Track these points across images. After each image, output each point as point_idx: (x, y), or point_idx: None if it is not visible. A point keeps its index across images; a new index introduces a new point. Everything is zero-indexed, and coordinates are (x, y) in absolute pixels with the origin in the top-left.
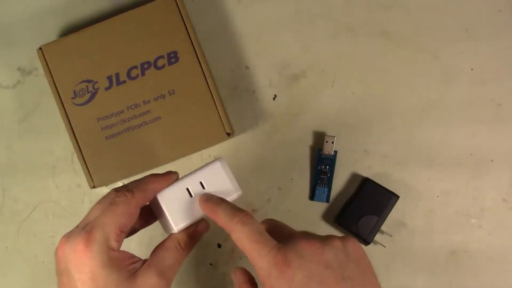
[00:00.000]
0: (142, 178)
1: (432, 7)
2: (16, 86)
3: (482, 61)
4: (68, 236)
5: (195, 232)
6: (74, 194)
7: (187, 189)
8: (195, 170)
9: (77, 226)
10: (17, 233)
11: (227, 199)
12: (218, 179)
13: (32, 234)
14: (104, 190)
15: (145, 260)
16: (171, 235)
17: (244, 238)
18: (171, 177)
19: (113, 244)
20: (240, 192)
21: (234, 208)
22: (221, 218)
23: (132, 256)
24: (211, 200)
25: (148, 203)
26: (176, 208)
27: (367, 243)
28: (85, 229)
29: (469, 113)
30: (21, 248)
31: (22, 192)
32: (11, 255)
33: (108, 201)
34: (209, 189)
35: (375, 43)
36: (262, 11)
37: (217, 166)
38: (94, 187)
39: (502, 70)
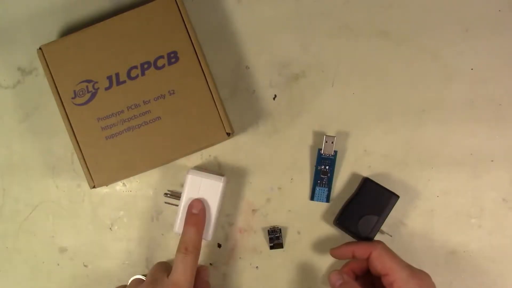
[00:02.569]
0: (186, 231)
1: (432, 6)
2: (16, 86)
3: (482, 61)
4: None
5: (206, 277)
6: (74, 194)
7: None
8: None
9: (147, 282)
10: (17, 233)
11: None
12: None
13: (32, 234)
14: (104, 190)
15: None
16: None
17: (385, 254)
18: (203, 213)
19: None
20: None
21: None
22: (362, 246)
23: None
24: (345, 245)
25: None
26: None
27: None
28: (170, 283)
29: (469, 113)
30: (21, 248)
31: (22, 192)
32: (11, 255)
33: (179, 260)
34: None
35: (375, 43)
36: (262, 11)
37: (219, 183)
38: (94, 187)
39: (502, 70)
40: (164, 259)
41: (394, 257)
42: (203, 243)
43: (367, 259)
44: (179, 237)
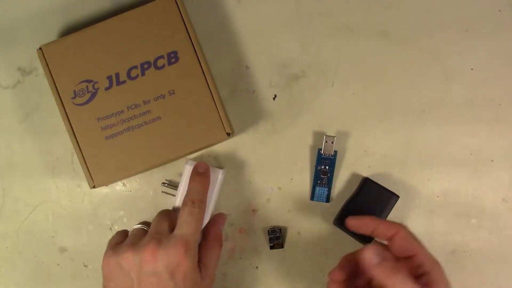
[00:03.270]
0: (192, 187)
1: (432, 7)
2: (16, 86)
3: (482, 61)
4: (158, 243)
5: (221, 226)
6: (74, 194)
7: None
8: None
9: (151, 235)
10: (17, 233)
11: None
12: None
13: (32, 234)
14: (104, 190)
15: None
16: (208, 235)
17: (413, 236)
18: (208, 173)
19: (197, 250)
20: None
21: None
22: (388, 225)
23: None
24: (369, 218)
25: None
26: None
27: (367, 242)
28: (176, 237)
29: (469, 113)
30: (21, 248)
31: (22, 192)
32: (11, 255)
33: (186, 212)
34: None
35: (375, 43)
36: (262, 11)
37: (218, 175)
38: (94, 187)
39: (502, 70)
40: None
41: (419, 241)
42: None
43: (390, 239)
44: None
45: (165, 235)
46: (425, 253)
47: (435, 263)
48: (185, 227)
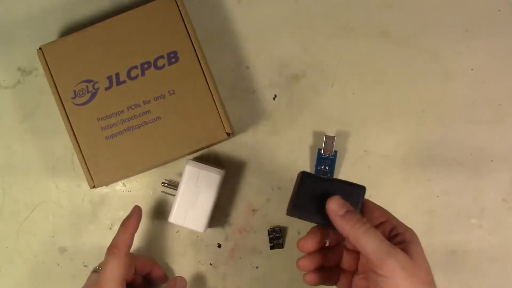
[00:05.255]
0: (117, 232)
1: (432, 7)
2: (16, 86)
3: (482, 61)
4: None
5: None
6: (74, 194)
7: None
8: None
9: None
10: (17, 233)
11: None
12: (210, 183)
13: (32, 234)
14: (104, 190)
15: None
16: None
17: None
18: (138, 214)
19: None
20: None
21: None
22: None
23: None
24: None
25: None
26: (191, 217)
27: (330, 226)
28: (97, 286)
29: (469, 113)
30: (21, 248)
31: (22, 192)
32: (11, 255)
33: (103, 260)
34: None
35: (375, 43)
36: (262, 11)
37: (216, 175)
38: (94, 187)
39: (502, 70)
40: (163, 259)
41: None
42: (204, 240)
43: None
44: (177, 233)
45: (97, 278)
46: (396, 219)
47: (408, 227)
48: (101, 275)
